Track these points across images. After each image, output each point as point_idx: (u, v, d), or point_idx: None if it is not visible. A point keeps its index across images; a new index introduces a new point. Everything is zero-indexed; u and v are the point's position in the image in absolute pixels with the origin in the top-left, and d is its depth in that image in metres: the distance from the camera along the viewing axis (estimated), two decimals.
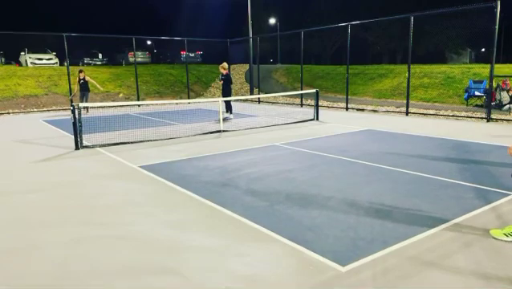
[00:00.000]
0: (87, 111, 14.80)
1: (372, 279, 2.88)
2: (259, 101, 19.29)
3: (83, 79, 14.53)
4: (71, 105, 7.95)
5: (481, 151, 7.21)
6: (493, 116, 11.18)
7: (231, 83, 12.80)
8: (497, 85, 13.00)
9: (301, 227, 3.83)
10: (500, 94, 12.94)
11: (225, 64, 12.75)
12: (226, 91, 12.47)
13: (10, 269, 3.18)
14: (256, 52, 20.59)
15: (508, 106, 12.55)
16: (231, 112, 12.65)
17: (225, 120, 11.59)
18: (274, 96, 18.55)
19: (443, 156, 6.82)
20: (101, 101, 17.64)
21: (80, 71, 14.70)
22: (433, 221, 3.89)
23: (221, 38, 23.01)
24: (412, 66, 13.04)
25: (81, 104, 8.27)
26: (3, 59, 25.52)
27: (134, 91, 18.85)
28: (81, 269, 3.14)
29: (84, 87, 14.51)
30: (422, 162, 6.35)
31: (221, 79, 12.52)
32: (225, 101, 12.54)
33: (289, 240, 3.53)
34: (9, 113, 15.62)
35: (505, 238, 3.54)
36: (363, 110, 14.42)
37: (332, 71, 22.99)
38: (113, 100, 18.28)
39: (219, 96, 21.90)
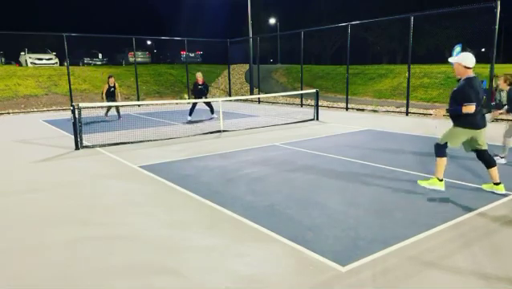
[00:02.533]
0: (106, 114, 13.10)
1: (372, 279, 2.88)
2: (259, 101, 19.29)
3: (114, 86, 12.53)
4: (71, 105, 7.94)
5: None
6: None
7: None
8: (497, 85, 12.99)
9: (301, 227, 3.83)
10: (500, 94, 12.94)
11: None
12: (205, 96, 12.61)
13: (10, 269, 3.18)
14: (256, 52, 20.60)
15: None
16: (213, 112, 12.76)
17: (211, 119, 12.09)
18: (274, 96, 18.54)
19: None
20: (101, 101, 17.62)
21: (110, 77, 12.64)
22: (433, 221, 3.89)
23: (221, 38, 23.03)
24: (412, 66, 13.05)
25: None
26: (3, 59, 25.51)
27: (134, 91, 18.85)
28: (81, 269, 3.14)
29: (113, 95, 12.42)
30: (422, 162, 6.35)
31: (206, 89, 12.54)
32: (209, 104, 12.69)
33: (289, 240, 3.53)
34: (9, 113, 15.62)
35: (429, 187, 4.74)
36: (363, 110, 14.41)
37: (332, 71, 22.99)
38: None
39: (219, 96, 21.92)
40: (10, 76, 18.34)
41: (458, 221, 3.89)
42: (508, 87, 6.35)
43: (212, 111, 12.71)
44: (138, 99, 18.40)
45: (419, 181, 4.89)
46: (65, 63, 17.08)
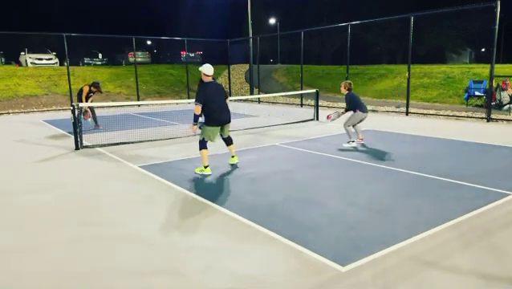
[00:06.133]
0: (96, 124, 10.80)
1: (372, 279, 2.88)
2: (259, 101, 19.28)
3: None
4: (71, 105, 7.94)
5: (480, 151, 7.21)
6: (493, 116, 11.17)
7: None
8: (497, 85, 13.00)
9: (301, 227, 3.83)
10: (500, 94, 12.95)
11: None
12: None
13: (10, 269, 3.18)
14: (256, 52, 20.59)
15: (508, 106, 12.56)
16: None
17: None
18: (274, 96, 18.53)
19: (443, 156, 6.82)
20: (101, 101, 17.62)
21: (97, 85, 10.40)
22: (433, 221, 3.89)
23: (221, 38, 23.01)
24: (412, 66, 13.04)
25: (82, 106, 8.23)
26: (3, 59, 25.51)
27: (134, 91, 18.85)
28: (81, 269, 3.14)
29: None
30: (422, 162, 6.35)
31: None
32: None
33: (289, 240, 3.53)
34: (9, 113, 15.62)
35: (199, 173, 5.75)
36: None
37: (332, 71, 22.99)
38: (113, 100, 18.27)
39: None
40: (10, 76, 18.34)
41: (458, 221, 3.89)
42: (346, 92, 7.77)
43: None
44: (138, 99, 18.41)
45: (195, 169, 5.89)
46: (65, 63, 17.08)
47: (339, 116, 8.26)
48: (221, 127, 5.93)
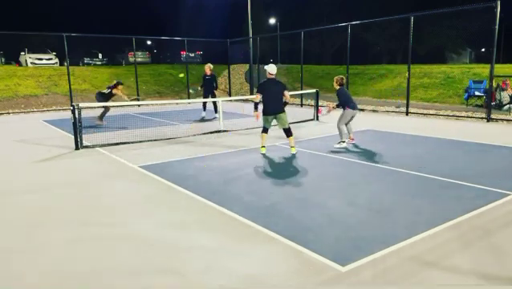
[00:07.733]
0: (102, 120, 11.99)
1: (372, 279, 2.88)
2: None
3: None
4: (71, 105, 7.94)
5: (480, 151, 7.21)
6: (493, 116, 11.17)
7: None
8: (497, 85, 13.00)
9: (301, 227, 3.83)
10: (500, 94, 12.95)
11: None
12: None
13: (10, 269, 3.18)
14: (256, 52, 20.58)
15: (508, 106, 12.55)
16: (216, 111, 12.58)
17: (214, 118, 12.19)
18: None
19: (443, 156, 6.82)
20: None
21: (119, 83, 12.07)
22: (433, 221, 3.89)
23: (221, 38, 23.00)
24: (412, 66, 13.03)
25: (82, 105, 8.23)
26: (3, 59, 25.50)
27: (134, 91, 18.83)
28: (81, 269, 3.14)
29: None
30: (422, 162, 6.35)
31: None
32: (214, 103, 12.61)
33: (289, 240, 3.53)
34: (9, 113, 15.61)
35: (261, 151, 7.25)
36: (363, 110, 14.39)
37: (332, 71, 22.96)
38: (113, 100, 18.24)
39: (219, 96, 21.87)
40: (10, 76, 18.32)
41: (458, 221, 3.89)
42: (339, 87, 7.78)
43: (215, 110, 12.53)
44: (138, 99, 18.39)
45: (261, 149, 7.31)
46: (65, 63, 17.07)
47: (328, 111, 8.40)
48: (274, 116, 7.04)
